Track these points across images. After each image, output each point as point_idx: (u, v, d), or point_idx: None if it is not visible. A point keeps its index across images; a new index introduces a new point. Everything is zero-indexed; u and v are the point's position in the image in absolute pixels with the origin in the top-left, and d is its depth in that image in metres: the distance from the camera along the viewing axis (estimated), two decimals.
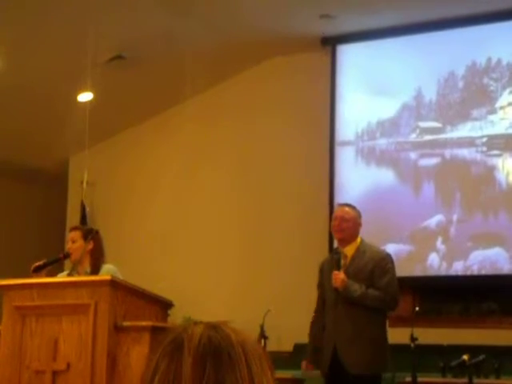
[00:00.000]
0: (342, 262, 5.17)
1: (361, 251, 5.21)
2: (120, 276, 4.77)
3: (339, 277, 5.05)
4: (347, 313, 5.05)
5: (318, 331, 5.26)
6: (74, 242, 5.09)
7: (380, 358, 5.08)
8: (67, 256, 5.12)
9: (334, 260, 5.20)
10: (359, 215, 5.32)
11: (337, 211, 5.41)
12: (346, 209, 5.34)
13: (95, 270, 4.98)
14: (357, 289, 5.03)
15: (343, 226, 5.22)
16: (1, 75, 7.75)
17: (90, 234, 5.12)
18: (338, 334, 5.06)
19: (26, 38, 7.42)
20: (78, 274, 5.01)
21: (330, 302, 5.18)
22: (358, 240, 5.25)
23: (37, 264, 4.97)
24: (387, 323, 5.26)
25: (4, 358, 4.49)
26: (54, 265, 5.14)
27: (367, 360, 5.00)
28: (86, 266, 5.05)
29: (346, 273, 5.09)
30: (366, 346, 5.00)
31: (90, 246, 5.05)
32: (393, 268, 5.21)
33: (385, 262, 5.19)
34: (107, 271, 4.89)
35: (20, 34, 7.35)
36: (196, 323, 1.19)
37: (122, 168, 9.31)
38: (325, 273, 5.28)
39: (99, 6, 6.99)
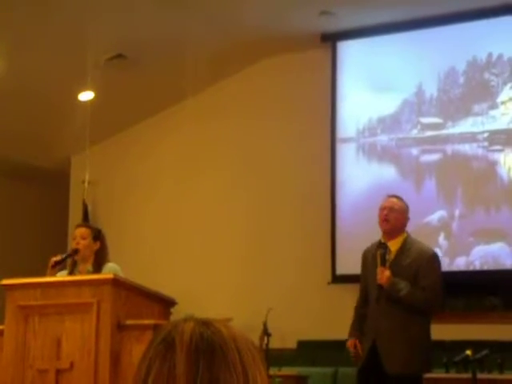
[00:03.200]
0: (387, 257, 4.96)
1: (406, 247, 4.99)
2: (122, 275, 4.76)
3: (385, 274, 4.85)
4: (389, 310, 4.88)
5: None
6: (85, 239, 5.00)
7: (419, 358, 4.92)
8: (76, 252, 5.03)
9: (379, 255, 4.96)
10: (407, 208, 5.10)
11: (384, 201, 5.14)
12: (394, 199, 5.11)
13: (97, 268, 4.96)
14: (402, 287, 4.84)
15: (390, 216, 5.00)
16: (2, 75, 7.75)
17: (99, 235, 5.09)
18: (378, 330, 4.90)
19: (27, 38, 7.42)
20: (80, 272, 4.99)
21: (372, 297, 5.00)
22: (404, 235, 5.04)
23: (55, 259, 4.92)
24: (430, 322, 5.05)
25: (7, 358, 4.50)
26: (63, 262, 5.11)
27: (405, 359, 4.84)
28: (89, 265, 5.01)
29: (389, 268, 4.89)
30: (405, 345, 4.84)
31: (97, 246, 5.02)
32: (439, 268, 5.00)
33: (432, 262, 4.98)
34: (109, 270, 4.88)
35: (21, 34, 7.35)
36: (186, 320, 1.18)
37: (124, 166, 9.31)
38: (369, 265, 5.07)
39: (99, 5, 6.99)
